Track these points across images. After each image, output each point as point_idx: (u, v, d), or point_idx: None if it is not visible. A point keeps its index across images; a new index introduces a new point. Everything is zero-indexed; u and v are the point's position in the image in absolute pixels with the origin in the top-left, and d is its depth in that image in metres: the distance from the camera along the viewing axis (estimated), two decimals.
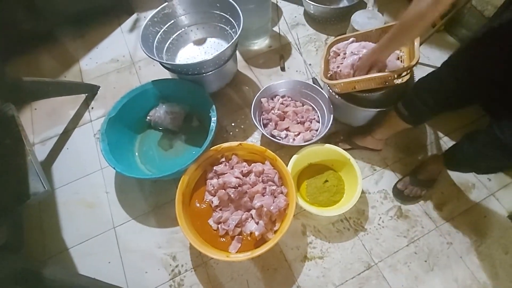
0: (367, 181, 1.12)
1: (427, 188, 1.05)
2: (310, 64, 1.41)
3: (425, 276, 0.95)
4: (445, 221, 1.03)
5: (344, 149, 1.05)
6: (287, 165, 0.99)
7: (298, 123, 1.16)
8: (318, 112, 1.19)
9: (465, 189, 1.08)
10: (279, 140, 1.10)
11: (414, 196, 1.04)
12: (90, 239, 1.05)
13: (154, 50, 1.17)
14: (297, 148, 1.05)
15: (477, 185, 1.09)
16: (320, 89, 1.16)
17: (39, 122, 1.31)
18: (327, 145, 1.06)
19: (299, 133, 1.14)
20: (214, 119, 1.06)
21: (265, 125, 1.16)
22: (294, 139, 1.12)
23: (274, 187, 0.98)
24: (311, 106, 1.20)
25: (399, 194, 1.06)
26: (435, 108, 0.85)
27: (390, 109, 0.99)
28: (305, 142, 1.10)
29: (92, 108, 1.34)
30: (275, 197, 0.96)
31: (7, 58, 1.43)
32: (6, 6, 1.25)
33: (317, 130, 1.15)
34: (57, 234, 1.06)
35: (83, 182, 1.17)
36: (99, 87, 1.39)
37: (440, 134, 1.20)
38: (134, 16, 1.63)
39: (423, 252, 0.98)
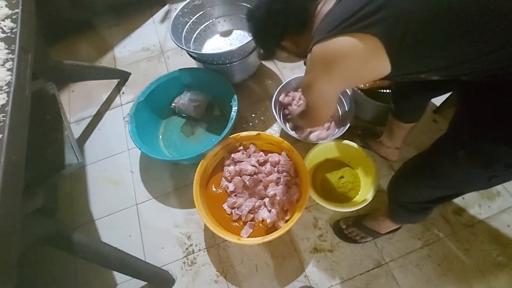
0: (384, 180, 1.10)
1: (371, 237, 0.96)
2: None
3: (437, 280, 0.93)
4: (464, 227, 1.00)
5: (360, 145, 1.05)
6: (303, 158, 1.00)
7: None
8: (339, 110, 1.18)
9: (489, 196, 1.04)
10: (300, 138, 1.10)
11: (353, 238, 0.97)
12: (114, 213, 1.13)
13: (183, 40, 1.22)
14: (312, 145, 1.06)
15: (503, 193, 1.04)
16: None
17: (75, 103, 1.42)
18: (345, 141, 1.06)
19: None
20: (235, 108, 1.09)
21: (288, 120, 1.18)
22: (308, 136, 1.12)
23: (288, 178, 1.00)
24: None
25: (339, 230, 1.00)
26: (413, 94, 0.82)
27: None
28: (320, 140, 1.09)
29: (123, 93, 1.43)
30: (289, 187, 0.98)
31: (50, 43, 1.55)
32: None
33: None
34: (85, 207, 1.16)
35: (110, 161, 1.25)
36: (130, 73, 1.48)
37: None
38: (166, 7, 1.70)
39: (437, 256, 0.96)
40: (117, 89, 1.44)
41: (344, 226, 0.99)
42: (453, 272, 0.94)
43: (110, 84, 1.45)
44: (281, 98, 1.18)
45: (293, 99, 1.19)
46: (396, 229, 0.96)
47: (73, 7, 1.44)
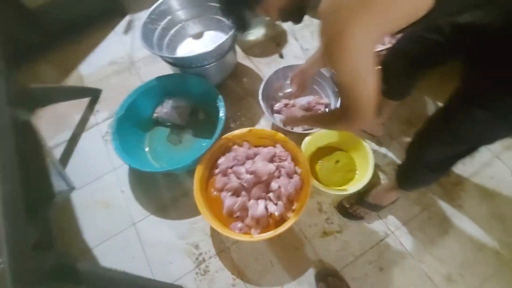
0: (375, 155, 1.14)
1: (374, 211, 1.01)
2: (307, 49, 1.43)
3: (441, 239, 0.98)
4: (454, 186, 1.07)
5: None
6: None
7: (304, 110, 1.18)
8: (324, 97, 1.21)
9: None
10: (290, 129, 1.11)
11: (358, 215, 1.01)
12: (112, 237, 1.07)
13: (155, 47, 1.18)
14: (304, 135, 1.07)
15: (481, 149, 1.12)
16: (322, 71, 1.18)
17: (46, 130, 1.31)
18: None
19: None
20: (222, 109, 1.08)
21: (277, 112, 1.19)
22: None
23: (288, 169, 1.00)
24: (318, 91, 1.22)
25: (343, 210, 1.03)
26: (405, 74, 0.85)
27: None
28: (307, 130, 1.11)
29: (97, 111, 1.35)
30: (290, 177, 0.99)
31: (11, 68, 1.42)
32: (4, 19, 1.25)
33: None
34: (78, 237, 1.07)
35: (97, 184, 1.18)
36: (101, 90, 1.40)
37: (440, 104, 1.24)
38: (127, 18, 1.63)
39: (437, 217, 1.02)
40: (90, 108, 1.36)
41: (348, 206, 1.02)
42: (454, 228, 1.00)
43: (81, 104, 1.37)
44: (276, 107, 1.20)
45: (285, 105, 1.20)
46: (395, 200, 1.00)
47: (29, 30, 1.34)
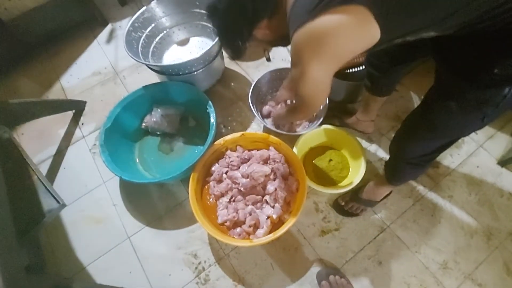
0: (367, 152, 1.17)
1: (369, 207, 1.03)
2: None
3: (434, 229, 1.01)
4: (443, 177, 1.10)
5: (336, 125, 1.10)
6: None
7: None
8: None
9: (456, 144, 1.16)
10: (282, 131, 1.12)
11: (354, 212, 1.02)
12: (106, 253, 1.03)
13: (140, 55, 1.16)
14: (296, 136, 1.08)
15: (466, 140, 1.17)
16: None
17: (29, 147, 1.26)
18: (323, 126, 1.10)
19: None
20: (213, 114, 1.07)
21: (266, 116, 1.19)
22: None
23: (282, 170, 1.00)
24: None
25: (339, 208, 1.05)
26: (387, 70, 0.87)
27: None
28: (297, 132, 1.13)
29: (83, 124, 1.31)
30: (285, 179, 0.99)
31: None
32: None
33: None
34: (70, 255, 1.03)
35: (87, 198, 1.14)
36: (85, 102, 1.36)
37: None
38: (109, 27, 1.60)
39: (429, 208, 1.05)
40: (75, 121, 1.32)
41: (343, 203, 1.03)
42: (445, 218, 1.03)
43: (65, 118, 1.32)
44: (264, 110, 1.20)
45: (273, 107, 1.21)
46: (388, 194, 1.03)
47: (5, 43, 1.29)
